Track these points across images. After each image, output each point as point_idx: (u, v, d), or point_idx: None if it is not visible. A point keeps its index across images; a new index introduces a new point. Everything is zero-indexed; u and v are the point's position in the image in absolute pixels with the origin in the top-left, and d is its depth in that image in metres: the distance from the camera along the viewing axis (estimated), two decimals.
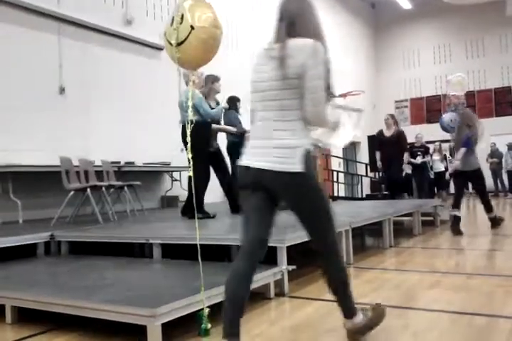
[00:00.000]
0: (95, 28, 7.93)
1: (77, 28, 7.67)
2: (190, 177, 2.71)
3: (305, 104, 2.00)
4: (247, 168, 2.08)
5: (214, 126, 5.70)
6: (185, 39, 2.71)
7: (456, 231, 6.03)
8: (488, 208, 6.33)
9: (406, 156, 9.29)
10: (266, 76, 2.07)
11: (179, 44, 2.75)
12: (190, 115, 2.84)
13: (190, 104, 2.96)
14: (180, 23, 2.75)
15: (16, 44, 6.83)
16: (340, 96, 14.64)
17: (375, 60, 19.90)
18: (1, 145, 6.32)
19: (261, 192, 2.09)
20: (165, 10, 9.49)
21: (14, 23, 6.83)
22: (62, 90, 7.36)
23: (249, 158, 2.09)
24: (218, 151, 5.91)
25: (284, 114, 2.03)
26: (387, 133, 8.85)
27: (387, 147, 8.71)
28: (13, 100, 6.68)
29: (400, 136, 8.83)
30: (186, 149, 5.14)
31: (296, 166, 1.97)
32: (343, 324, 2.24)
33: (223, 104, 5.86)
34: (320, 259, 2.28)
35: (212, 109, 5.44)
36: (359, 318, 2.21)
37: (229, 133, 6.65)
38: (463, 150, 6.02)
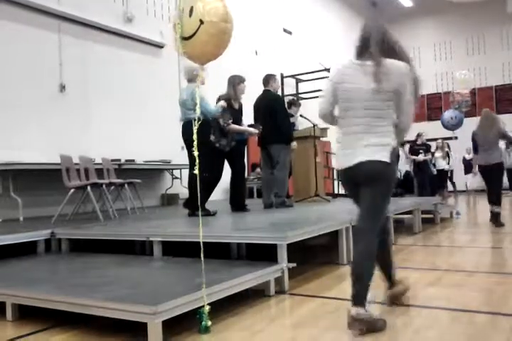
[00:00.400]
0: (96, 25, 7.92)
1: (77, 25, 7.67)
2: (195, 175, 2.70)
3: (400, 115, 2.50)
4: (350, 168, 2.52)
5: (234, 126, 5.66)
6: (194, 33, 2.68)
7: (499, 224, 6.45)
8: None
9: (402, 153, 9.15)
10: (362, 88, 2.46)
11: (187, 38, 2.70)
12: (198, 112, 2.83)
13: (198, 101, 2.94)
14: (190, 16, 2.69)
15: (16, 42, 6.82)
16: None
17: None
18: (1, 143, 6.32)
19: (357, 184, 2.54)
20: (165, 8, 9.48)
21: (14, 21, 6.83)
22: (62, 88, 7.36)
23: (348, 155, 2.52)
24: (234, 149, 5.91)
25: (376, 120, 2.47)
26: None
27: None
28: (14, 98, 6.68)
29: None
30: (188, 147, 5.18)
31: (385, 158, 2.44)
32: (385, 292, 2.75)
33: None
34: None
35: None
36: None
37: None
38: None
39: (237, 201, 5.92)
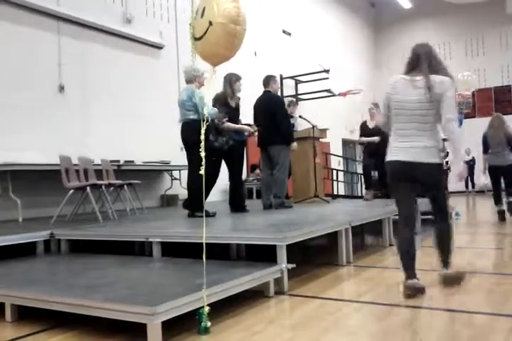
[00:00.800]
0: (95, 26, 7.93)
1: (76, 26, 7.67)
2: (200, 175, 2.69)
3: (443, 121, 2.99)
4: (399, 162, 3.09)
5: (229, 124, 5.65)
6: (204, 34, 2.67)
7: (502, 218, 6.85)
8: None
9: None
10: (414, 99, 3.03)
11: (198, 39, 2.69)
12: (206, 112, 2.81)
13: (197, 101, 2.94)
14: (202, 17, 2.68)
15: (15, 43, 6.82)
16: (340, 94, 14.59)
17: (374, 59, 19.89)
18: (0, 143, 6.32)
19: (407, 180, 3.10)
20: (164, 8, 9.49)
21: (13, 22, 6.83)
22: (61, 89, 7.36)
23: (399, 155, 3.10)
24: (232, 149, 5.91)
25: (425, 126, 3.04)
26: (371, 125, 7.83)
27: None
28: (13, 99, 6.67)
29: None
30: (187, 148, 5.18)
31: (435, 159, 3.03)
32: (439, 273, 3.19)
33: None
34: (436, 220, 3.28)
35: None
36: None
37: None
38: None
39: (237, 202, 5.91)
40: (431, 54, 3.16)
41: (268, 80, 6.32)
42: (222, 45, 2.72)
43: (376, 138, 7.51)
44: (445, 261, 3.23)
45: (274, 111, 6.02)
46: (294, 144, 6.29)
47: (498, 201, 7.05)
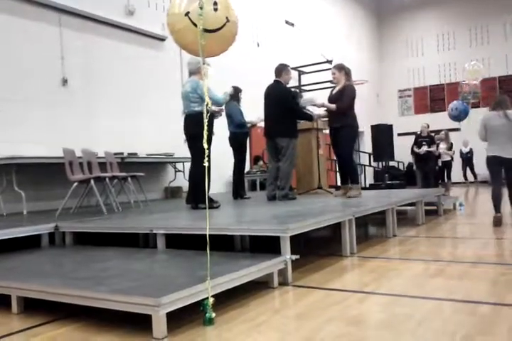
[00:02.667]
0: (97, 18, 7.91)
1: (78, 18, 7.65)
2: (204, 167, 2.69)
3: None
4: (497, 157, 5.63)
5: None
6: (218, 29, 2.77)
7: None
8: None
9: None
10: (499, 124, 5.61)
11: (211, 31, 2.74)
12: (210, 105, 2.85)
13: (206, 93, 2.95)
14: (215, 10, 2.75)
15: (17, 36, 6.81)
16: None
17: (378, 49, 19.78)
18: (4, 137, 6.33)
19: (499, 166, 5.68)
20: (167, 0, 9.43)
21: (15, 15, 6.81)
22: (64, 82, 7.36)
23: (500, 152, 5.63)
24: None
25: (508, 139, 5.59)
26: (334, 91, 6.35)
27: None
28: (16, 92, 6.68)
29: (345, 90, 6.11)
30: (190, 140, 5.18)
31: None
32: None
33: (229, 90, 5.81)
34: None
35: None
36: None
37: (231, 125, 6.65)
38: None
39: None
40: (508, 100, 5.72)
41: (281, 70, 6.15)
42: (230, 43, 2.93)
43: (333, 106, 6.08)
44: None
45: (285, 104, 5.94)
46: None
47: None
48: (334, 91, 6.27)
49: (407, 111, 19.20)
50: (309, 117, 6.32)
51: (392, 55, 19.65)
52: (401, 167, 16.45)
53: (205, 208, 5.00)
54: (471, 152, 15.09)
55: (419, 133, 11.21)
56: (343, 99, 5.99)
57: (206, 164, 2.68)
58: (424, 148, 10.87)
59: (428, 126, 11.36)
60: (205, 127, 2.69)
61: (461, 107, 11.18)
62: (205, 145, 2.68)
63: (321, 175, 7.27)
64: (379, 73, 19.51)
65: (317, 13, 15.06)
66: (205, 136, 2.69)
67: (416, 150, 10.93)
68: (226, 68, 5.98)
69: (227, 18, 2.77)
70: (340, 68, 6.19)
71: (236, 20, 2.92)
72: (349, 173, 6.24)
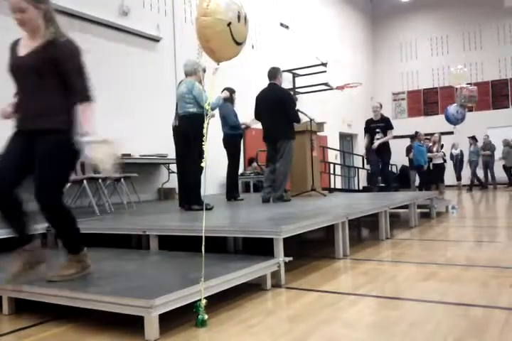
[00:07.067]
0: (91, 19, 7.88)
1: (71, 18, 7.61)
2: (202, 168, 2.71)
3: None
4: None
5: None
6: (243, 42, 3.21)
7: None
8: None
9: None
10: None
11: (239, 44, 2.97)
12: (208, 108, 2.85)
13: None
14: (243, 22, 3.11)
15: (11, 35, 6.76)
16: (338, 88, 14.57)
17: (372, 52, 19.85)
18: None
19: None
20: (162, 1, 9.42)
21: (8, 15, 6.76)
22: None
23: None
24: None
25: None
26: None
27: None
28: (10, 93, 6.62)
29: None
30: (185, 141, 5.18)
31: None
32: None
33: (223, 93, 5.81)
34: None
35: None
36: None
37: (225, 126, 6.65)
38: None
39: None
40: None
41: (276, 72, 6.17)
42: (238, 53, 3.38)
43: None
44: None
45: (284, 105, 5.91)
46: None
47: None
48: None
49: (400, 115, 19.27)
50: (299, 120, 6.29)
51: (386, 59, 19.72)
52: (394, 170, 16.51)
53: (198, 209, 5.00)
54: (461, 154, 15.17)
55: (371, 117, 9.34)
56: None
57: (203, 164, 2.69)
58: (379, 141, 8.83)
59: (381, 106, 9.36)
60: (205, 129, 2.70)
61: (463, 111, 11.15)
62: (204, 147, 2.69)
63: (314, 178, 7.28)
64: (373, 76, 19.58)
65: (312, 15, 15.10)
66: (205, 138, 2.70)
67: (365, 142, 9.13)
68: (220, 70, 5.96)
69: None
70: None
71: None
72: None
